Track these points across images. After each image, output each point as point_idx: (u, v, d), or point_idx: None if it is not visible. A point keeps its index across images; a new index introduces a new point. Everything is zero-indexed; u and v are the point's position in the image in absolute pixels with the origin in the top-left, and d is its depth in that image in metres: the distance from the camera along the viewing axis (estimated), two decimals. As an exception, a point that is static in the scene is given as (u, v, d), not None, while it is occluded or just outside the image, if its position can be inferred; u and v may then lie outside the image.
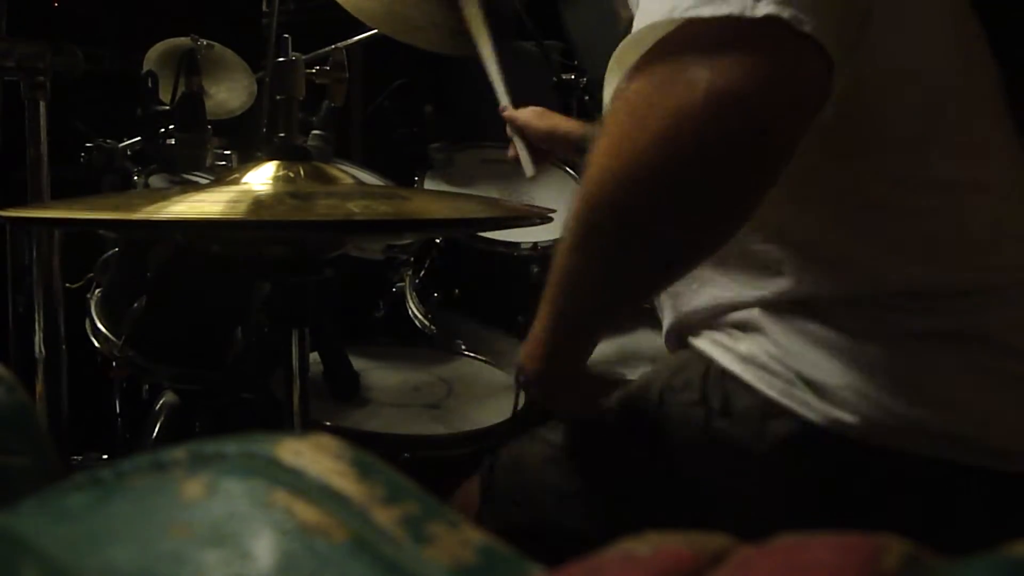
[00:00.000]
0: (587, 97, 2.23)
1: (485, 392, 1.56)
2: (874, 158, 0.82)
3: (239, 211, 0.86)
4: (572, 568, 0.27)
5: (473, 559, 0.28)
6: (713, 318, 0.90)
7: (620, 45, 0.78)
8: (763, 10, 0.69)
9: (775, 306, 0.85)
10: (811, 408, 0.82)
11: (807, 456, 0.83)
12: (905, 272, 0.82)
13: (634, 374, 1.52)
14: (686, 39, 0.72)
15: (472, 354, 1.69)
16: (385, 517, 0.29)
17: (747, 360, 0.86)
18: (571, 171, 1.99)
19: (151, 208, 0.88)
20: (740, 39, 0.70)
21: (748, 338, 0.86)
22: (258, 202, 0.90)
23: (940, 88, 0.84)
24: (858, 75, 0.76)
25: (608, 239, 0.78)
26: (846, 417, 0.80)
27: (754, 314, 0.86)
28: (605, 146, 0.76)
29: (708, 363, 0.89)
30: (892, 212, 0.82)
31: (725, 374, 0.87)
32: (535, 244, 1.78)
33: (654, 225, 0.76)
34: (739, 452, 0.86)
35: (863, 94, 0.78)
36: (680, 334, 0.96)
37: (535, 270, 1.79)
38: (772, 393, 0.84)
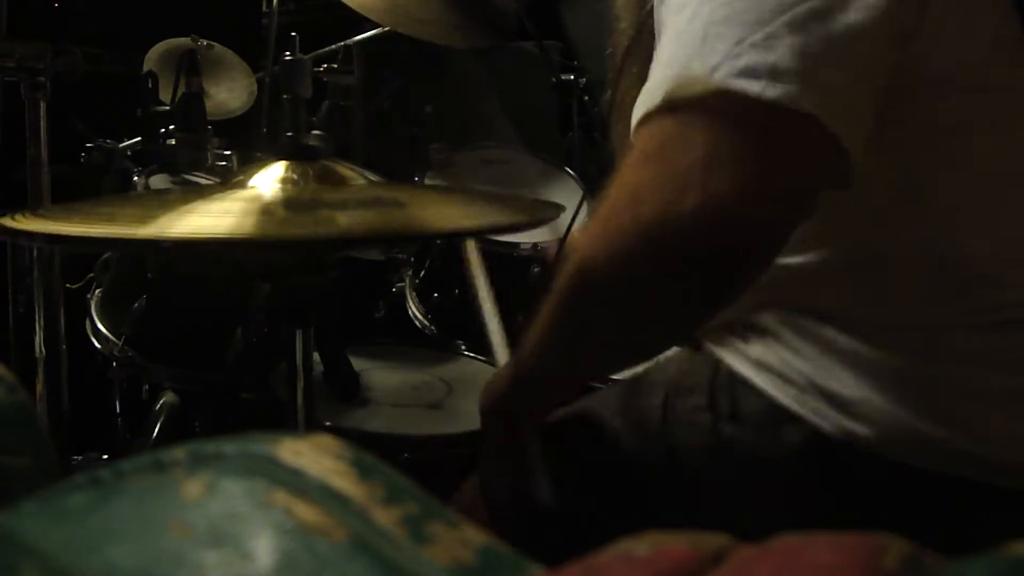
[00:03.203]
0: (587, 97, 2.23)
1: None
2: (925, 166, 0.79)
3: (241, 228, 0.86)
4: (572, 568, 0.27)
5: (472, 559, 0.28)
6: (725, 319, 0.89)
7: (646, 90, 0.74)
8: (804, 104, 0.66)
9: (791, 311, 0.83)
10: (824, 417, 0.80)
11: (817, 465, 0.81)
12: (930, 292, 0.79)
13: (634, 374, 1.53)
14: (695, 107, 0.69)
15: (472, 354, 1.69)
16: (385, 517, 0.29)
17: (759, 365, 0.84)
18: (571, 172, 1.99)
19: (144, 224, 0.86)
20: (756, 129, 0.68)
21: (761, 343, 0.84)
22: (260, 215, 0.89)
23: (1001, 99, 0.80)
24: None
25: (589, 310, 0.78)
26: (860, 429, 0.78)
27: (769, 318, 0.84)
28: (604, 215, 0.74)
29: (716, 365, 0.88)
30: (925, 230, 0.80)
31: (734, 377, 0.85)
32: (535, 244, 1.78)
33: (634, 310, 0.76)
34: (747, 458, 0.84)
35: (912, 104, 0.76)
36: None
37: (535, 270, 1.79)
38: (784, 399, 0.82)
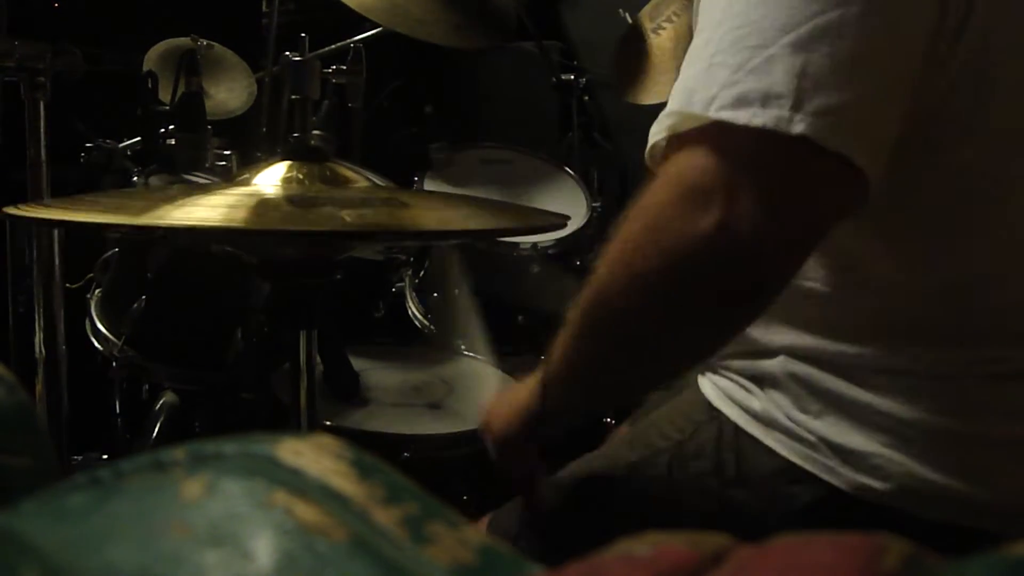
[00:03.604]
0: (587, 97, 2.23)
1: (485, 391, 1.55)
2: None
3: (236, 218, 0.86)
4: (572, 568, 0.27)
5: (473, 559, 0.28)
6: (726, 360, 0.87)
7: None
8: (797, 128, 0.64)
9: (797, 360, 0.81)
10: (835, 474, 0.78)
11: (829, 523, 0.80)
12: (936, 341, 0.77)
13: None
14: (706, 143, 0.68)
15: (472, 354, 1.69)
16: (385, 517, 0.29)
17: (766, 422, 0.82)
18: (571, 172, 1.99)
19: (148, 213, 0.88)
20: (764, 164, 0.66)
21: (765, 396, 0.83)
22: (257, 208, 0.90)
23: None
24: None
25: (608, 334, 0.77)
26: (874, 483, 0.77)
27: (773, 368, 0.82)
28: (621, 239, 0.73)
29: (720, 426, 0.86)
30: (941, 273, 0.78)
31: (740, 433, 0.84)
32: (535, 244, 1.78)
33: (651, 333, 0.75)
34: (755, 520, 0.82)
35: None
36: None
37: (535, 270, 1.80)
38: (794, 458, 0.80)
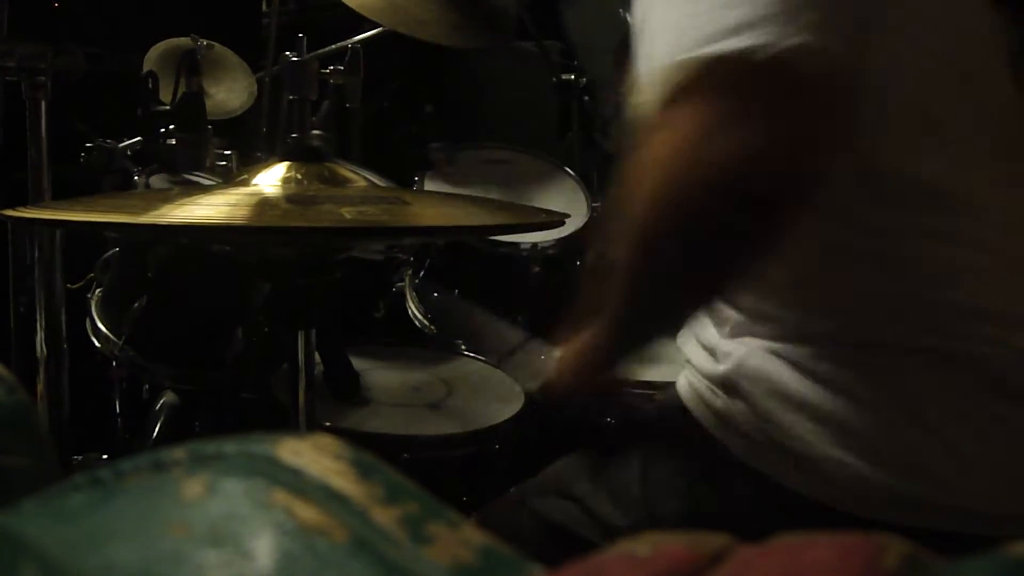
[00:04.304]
0: (587, 97, 2.23)
1: (485, 392, 1.56)
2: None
3: (236, 216, 0.86)
4: (572, 568, 0.27)
5: (473, 559, 0.28)
6: (694, 358, 0.90)
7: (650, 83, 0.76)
8: (792, 40, 0.67)
9: (755, 356, 0.83)
10: (787, 477, 0.81)
11: (781, 524, 0.81)
12: (900, 332, 0.79)
13: (634, 374, 1.53)
14: (704, 82, 0.71)
15: (472, 354, 1.69)
16: (385, 517, 0.29)
17: (726, 421, 0.85)
18: (571, 172, 1.99)
19: (148, 212, 0.88)
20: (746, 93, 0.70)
21: (725, 396, 0.85)
22: (257, 207, 0.90)
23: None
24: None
25: (659, 271, 0.80)
26: (822, 487, 0.79)
27: (732, 366, 0.85)
28: (656, 189, 0.75)
29: (691, 425, 0.88)
30: (891, 263, 0.80)
31: (705, 437, 0.86)
32: (535, 244, 1.78)
33: (696, 257, 0.78)
34: (719, 518, 0.83)
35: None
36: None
37: (535, 270, 1.79)
38: (750, 458, 0.83)
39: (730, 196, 0.71)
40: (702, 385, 0.88)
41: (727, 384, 0.85)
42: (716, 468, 0.86)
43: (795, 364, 0.81)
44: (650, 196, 0.75)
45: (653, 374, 1.28)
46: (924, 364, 0.78)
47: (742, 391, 0.83)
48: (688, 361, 0.92)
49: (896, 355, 0.79)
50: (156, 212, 0.88)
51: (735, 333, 0.85)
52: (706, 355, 0.88)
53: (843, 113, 0.72)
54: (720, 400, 0.86)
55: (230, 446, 0.31)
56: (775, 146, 0.69)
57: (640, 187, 0.76)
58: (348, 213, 0.88)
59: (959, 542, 0.77)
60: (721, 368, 0.85)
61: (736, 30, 0.68)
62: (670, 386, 0.96)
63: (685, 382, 0.91)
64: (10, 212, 0.88)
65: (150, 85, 1.69)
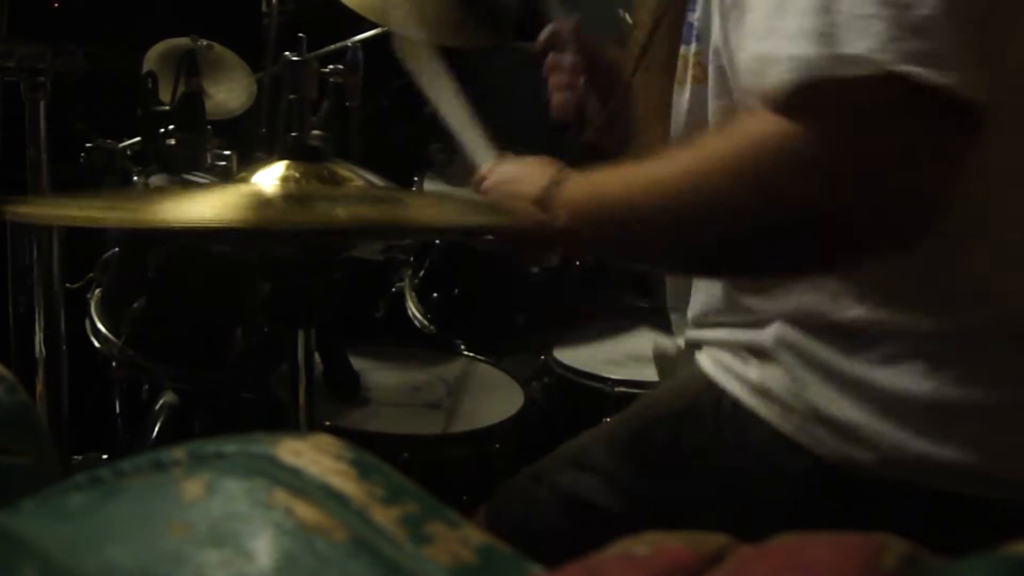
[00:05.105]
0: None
1: (485, 392, 1.56)
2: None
3: (232, 216, 0.86)
4: (572, 568, 0.27)
5: (472, 558, 0.28)
6: (722, 328, 0.88)
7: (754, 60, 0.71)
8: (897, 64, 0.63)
9: (791, 327, 0.82)
10: (825, 445, 0.79)
11: (818, 494, 0.81)
12: (932, 307, 0.78)
13: (634, 374, 1.53)
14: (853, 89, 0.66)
15: (472, 354, 1.69)
16: (385, 517, 0.29)
17: (761, 392, 0.83)
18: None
19: (142, 210, 0.88)
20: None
21: (761, 366, 0.84)
22: (255, 206, 0.90)
23: None
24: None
25: (699, 229, 0.76)
26: (861, 455, 0.78)
27: (769, 336, 0.83)
28: (730, 176, 0.71)
29: (719, 397, 0.87)
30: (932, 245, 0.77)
31: (737, 404, 0.85)
32: (535, 244, 1.77)
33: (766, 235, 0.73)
34: (750, 488, 0.84)
35: None
36: (688, 342, 0.94)
37: (535, 270, 1.79)
38: (786, 428, 0.81)
39: (813, 223, 0.68)
40: (732, 358, 0.87)
41: (763, 353, 0.83)
42: (748, 437, 0.84)
43: (832, 334, 0.80)
44: (734, 168, 0.71)
45: (648, 374, 1.29)
46: (973, 339, 0.77)
47: (780, 361, 0.82)
48: (705, 341, 0.91)
49: (945, 322, 0.77)
50: (143, 209, 0.87)
51: (770, 300, 0.83)
52: (739, 325, 0.86)
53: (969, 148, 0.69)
54: (754, 370, 0.84)
55: (230, 446, 0.31)
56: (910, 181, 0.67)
57: (724, 154, 0.72)
58: (343, 212, 0.88)
59: (1002, 509, 0.77)
60: (755, 337, 0.84)
61: (915, 58, 0.64)
62: (680, 371, 0.95)
63: (708, 359, 0.90)
64: (11, 210, 0.88)
65: (150, 85, 1.69)
